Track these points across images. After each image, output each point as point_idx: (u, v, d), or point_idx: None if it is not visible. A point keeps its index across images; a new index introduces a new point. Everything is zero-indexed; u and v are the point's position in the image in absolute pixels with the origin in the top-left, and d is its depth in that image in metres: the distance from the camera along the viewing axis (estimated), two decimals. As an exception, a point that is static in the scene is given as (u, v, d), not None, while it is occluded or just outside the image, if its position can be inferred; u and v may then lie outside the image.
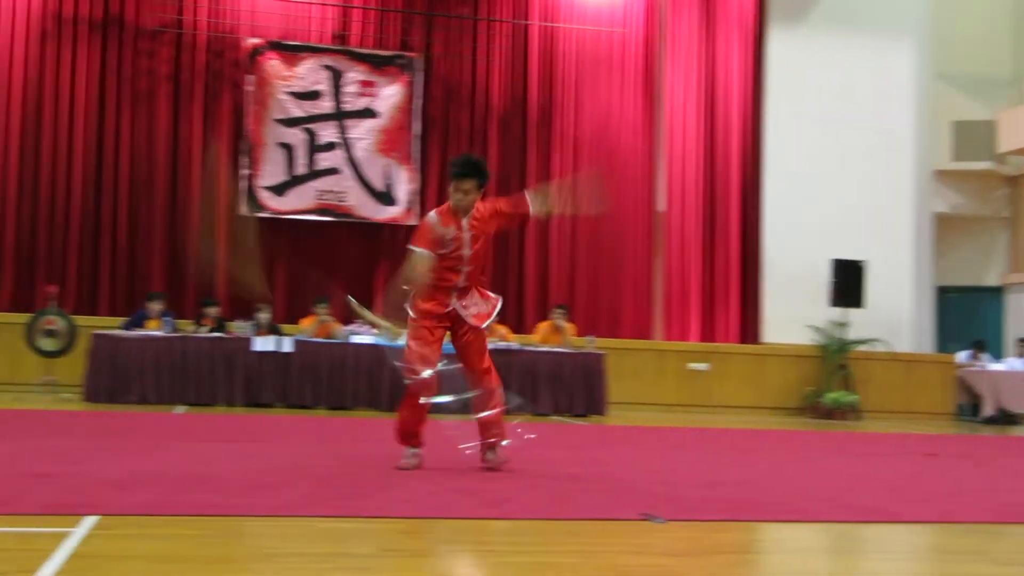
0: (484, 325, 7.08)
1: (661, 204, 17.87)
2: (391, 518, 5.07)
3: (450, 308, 6.95)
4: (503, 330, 15.00)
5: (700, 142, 18.03)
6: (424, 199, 17.00)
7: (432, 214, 7.02)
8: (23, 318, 14.31)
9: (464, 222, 6.89)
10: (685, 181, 17.94)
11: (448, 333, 7.07)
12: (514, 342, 14.64)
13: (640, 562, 4.38)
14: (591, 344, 14.88)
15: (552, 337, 15.06)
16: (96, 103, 16.22)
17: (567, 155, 17.59)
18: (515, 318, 16.90)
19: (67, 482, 5.68)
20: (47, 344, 13.86)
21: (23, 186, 15.90)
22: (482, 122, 17.43)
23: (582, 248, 17.52)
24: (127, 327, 13.79)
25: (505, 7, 17.58)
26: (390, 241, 16.97)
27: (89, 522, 4.58)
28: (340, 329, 14.41)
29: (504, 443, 7.17)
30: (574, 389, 14.32)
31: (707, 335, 17.71)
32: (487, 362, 7.17)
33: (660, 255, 17.81)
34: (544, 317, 16.31)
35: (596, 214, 8.32)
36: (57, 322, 13.86)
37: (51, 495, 5.22)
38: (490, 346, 13.93)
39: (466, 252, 6.90)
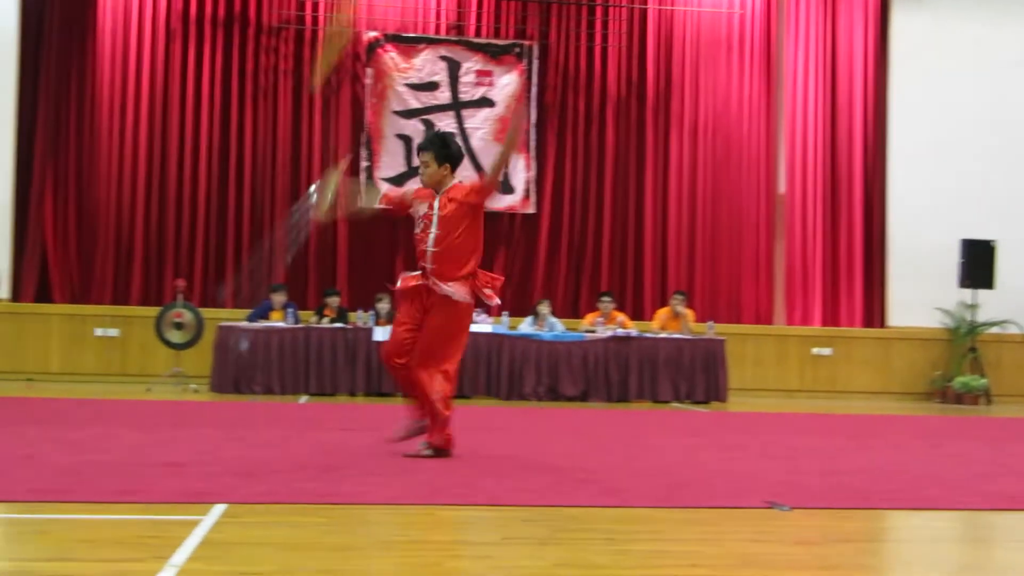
0: (448, 292, 6.78)
1: (782, 186, 17.58)
2: (511, 506, 5.08)
3: (421, 283, 6.88)
4: (622, 317, 14.95)
5: (822, 122, 17.68)
6: (541, 187, 17.01)
7: (411, 187, 7.13)
8: (152, 311, 14.70)
9: (436, 201, 6.89)
10: (806, 162, 17.61)
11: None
12: (633, 329, 14.57)
13: (765, 550, 4.32)
14: (711, 330, 14.74)
15: (671, 323, 14.96)
16: (221, 100, 16.57)
17: (685, 139, 17.42)
18: (633, 305, 16.82)
19: (197, 471, 5.82)
20: (175, 336, 14.20)
21: (151, 183, 16.34)
22: (598, 108, 17.35)
23: (701, 233, 17.34)
24: (252, 319, 14.08)
25: (621, -8, 17.46)
26: (508, 230, 17.02)
27: (218, 510, 4.68)
28: (459, 318, 14.47)
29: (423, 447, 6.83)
30: (694, 376, 14.20)
31: (830, 319, 17.38)
32: (442, 361, 6.82)
33: (781, 238, 17.54)
34: (663, 303, 16.21)
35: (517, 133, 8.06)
36: (185, 315, 14.19)
37: (182, 484, 5.35)
38: (608, 333, 13.98)
39: (432, 232, 6.84)
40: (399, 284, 6.94)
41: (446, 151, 6.90)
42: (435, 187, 6.93)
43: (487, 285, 6.97)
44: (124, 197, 16.20)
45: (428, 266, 6.78)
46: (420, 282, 6.82)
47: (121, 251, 16.13)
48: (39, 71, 16.02)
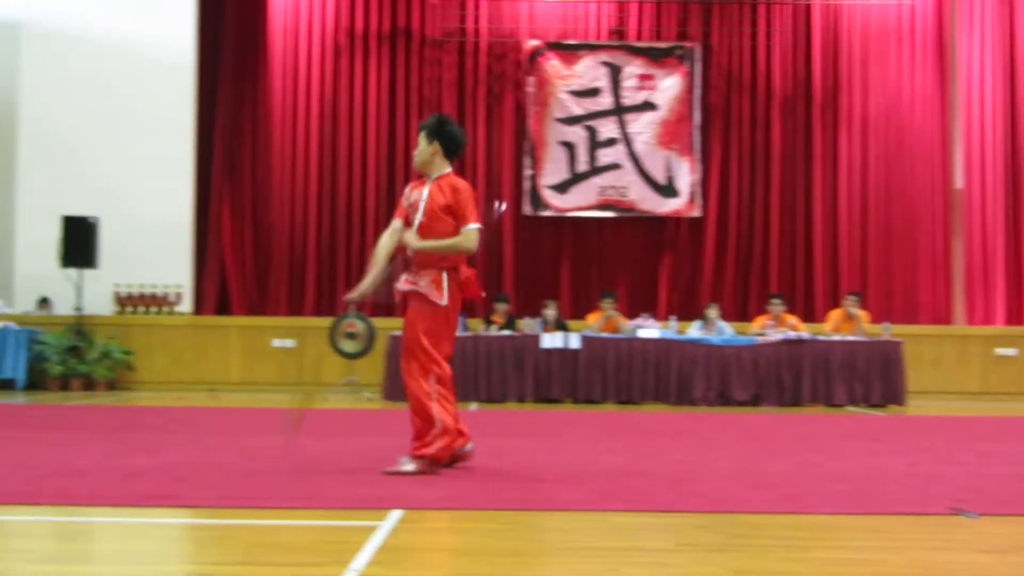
0: (408, 288, 6.38)
1: (959, 181, 17.00)
2: (685, 512, 5.02)
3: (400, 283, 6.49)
4: (793, 319, 14.66)
5: (1000, 114, 17.01)
6: (706, 190, 16.83)
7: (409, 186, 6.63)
8: (326, 322, 15.06)
9: (426, 188, 6.41)
10: (985, 155, 16.98)
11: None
12: (805, 332, 14.27)
13: (951, 559, 4.16)
14: (887, 331, 14.32)
15: (845, 325, 14.60)
16: (387, 113, 16.92)
17: (855, 136, 17.00)
18: (804, 307, 16.50)
19: (373, 478, 5.92)
20: (348, 346, 14.48)
21: (322, 197, 16.78)
22: (764, 108, 17.09)
23: (873, 231, 16.89)
24: (422, 327, 14.24)
25: (784, -12, 17.16)
26: (673, 234, 16.90)
27: (395, 515, 4.75)
28: (627, 323, 14.45)
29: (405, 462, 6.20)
30: (870, 379, 13.82)
31: (1015, 318, 16.69)
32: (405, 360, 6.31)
33: (959, 235, 16.95)
34: (835, 305, 15.86)
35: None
36: (357, 325, 14.47)
37: (359, 490, 5.45)
38: (779, 336, 13.74)
39: (415, 219, 6.39)
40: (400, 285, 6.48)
41: (438, 128, 6.41)
42: (426, 170, 6.44)
43: (468, 280, 6.44)
44: (296, 212, 16.67)
45: (409, 255, 6.40)
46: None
47: (295, 264, 16.61)
48: (216, 96, 16.63)
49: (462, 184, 6.42)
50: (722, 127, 17.06)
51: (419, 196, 6.41)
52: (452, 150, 6.48)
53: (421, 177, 6.54)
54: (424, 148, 6.44)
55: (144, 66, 16.22)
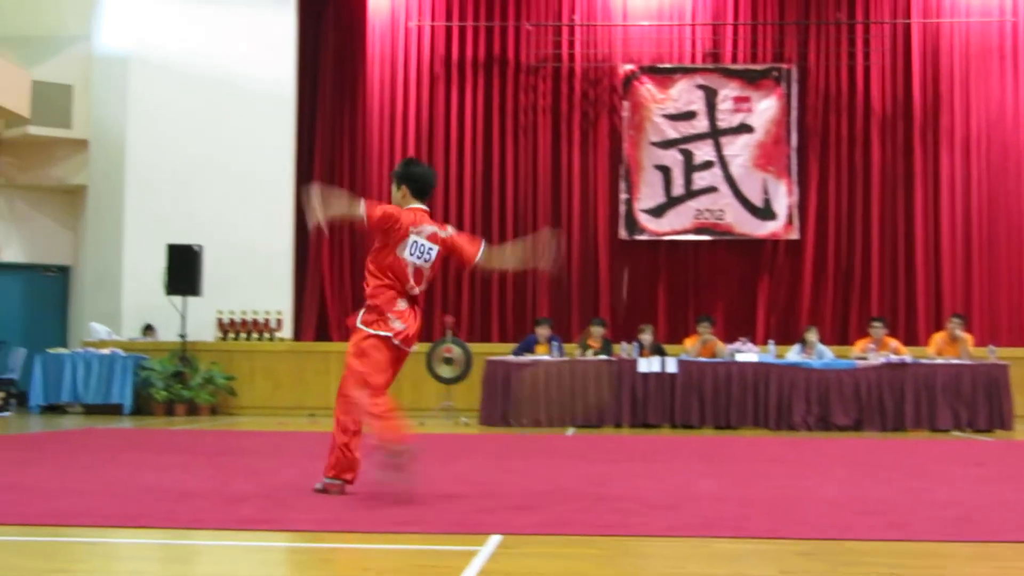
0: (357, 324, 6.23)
1: (1065, 200, 16.58)
2: (787, 539, 4.95)
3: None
4: (895, 342, 14.40)
5: (1107, 130, 16.59)
6: (804, 212, 16.65)
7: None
8: (423, 347, 15.17)
9: (429, 226, 6.33)
10: (1091, 173, 16.56)
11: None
12: (907, 355, 14.01)
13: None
14: (992, 354, 14.00)
15: (949, 348, 14.30)
16: (483, 139, 17.05)
17: (956, 155, 16.70)
18: (906, 330, 16.21)
19: (472, 503, 5.94)
20: (445, 371, 14.59)
21: (419, 222, 16.91)
22: (862, 128, 16.87)
23: (977, 251, 16.55)
24: (518, 352, 14.31)
25: (883, 8, 16.94)
26: (771, 256, 16.74)
27: (494, 540, 4.76)
28: (724, 348, 14.33)
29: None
30: (975, 403, 13.51)
31: (1126, 340, 16.21)
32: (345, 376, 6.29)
33: (1067, 255, 16.52)
34: (938, 327, 15.56)
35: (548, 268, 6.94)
36: (454, 350, 14.57)
37: (458, 515, 5.47)
38: (881, 360, 13.50)
39: (432, 256, 6.28)
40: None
41: (404, 172, 6.42)
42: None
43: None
44: (394, 238, 16.79)
45: (418, 291, 6.34)
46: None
47: (393, 290, 16.73)
48: (315, 127, 16.92)
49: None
50: (819, 148, 16.88)
51: (437, 233, 6.31)
52: (419, 190, 6.39)
53: (417, 212, 6.39)
54: (394, 193, 6.41)
55: (246, 98, 16.58)
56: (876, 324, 14.50)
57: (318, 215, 6.12)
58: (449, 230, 6.43)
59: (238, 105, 16.59)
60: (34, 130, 16.69)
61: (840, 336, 16.35)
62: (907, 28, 16.92)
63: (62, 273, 17.87)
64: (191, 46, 16.73)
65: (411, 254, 6.19)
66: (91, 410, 15.28)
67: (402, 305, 6.25)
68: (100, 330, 16.07)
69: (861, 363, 13.77)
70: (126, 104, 16.71)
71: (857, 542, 4.90)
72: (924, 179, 16.74)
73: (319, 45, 17.15)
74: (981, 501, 6.31)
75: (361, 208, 6.19)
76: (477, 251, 6.43)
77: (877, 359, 13.79)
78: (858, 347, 14.50)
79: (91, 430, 12.27)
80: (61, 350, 15.82)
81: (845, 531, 5.15)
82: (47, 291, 17.77)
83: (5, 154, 17.32)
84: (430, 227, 6.29)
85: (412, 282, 6.24)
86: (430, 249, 6.24)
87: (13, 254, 17.42)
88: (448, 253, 6.42)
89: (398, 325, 6.22)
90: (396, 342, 6.22)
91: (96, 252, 16.93)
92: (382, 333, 6.19)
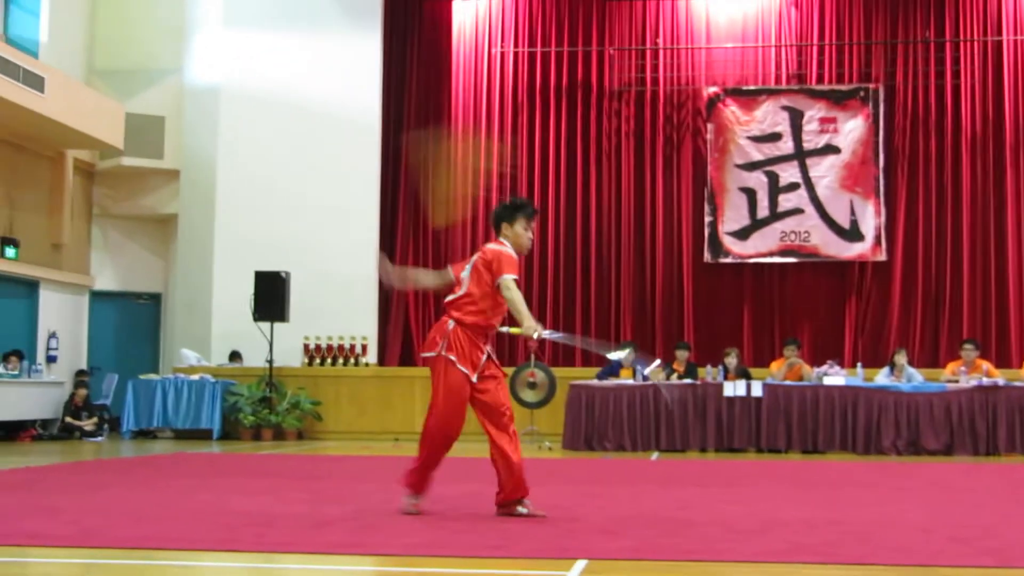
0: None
1: None
2: (880, 565, 4.88)
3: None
4: (986, 365, 14.11)
5: None
6: (892, 233, 16.41)
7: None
8: (508, 371, 15.18)
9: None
10: None
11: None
12: (1000, 377, 13.72)
13: None
14: (1090, 378, 13.66)
15: (1043, 371, 13.99)
16: (566, 164, 17.10)
17: (1051, 175, 16.36)
18: (998, 352, 15.87)
19: (557, 527, 5.94)
20: (529, 395, 14.58)
21: (503, 247, 16.99)
22: (951, 149, 16.60)
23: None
24: (602, 376, 14.28)
25: (974, 25, 16.69)
26: (859, 278, 16.53)
27: (580, 566, 4.76)
28: (811, 371, 14.16)
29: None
30: (1072, 427, 13.18)
31: None
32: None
33: None
34: (1033, 350, 15.22)
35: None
36: (538, 374, 14.56)
37: (544, 540, 5.47)
38: (973, 383, 13.24)
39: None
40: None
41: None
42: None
43: None
44: (478, 263, 16.88)
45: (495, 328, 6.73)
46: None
47: (476, 314, 16.80)
48: (400, 153, 17.07)
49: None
50: (907, 169, 16.65)
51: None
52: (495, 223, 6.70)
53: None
54: (518, 231, 6.66)
55: (332, 126, 16.81)
56: (967, 346, 14.22)
57: (391, 282, 6.89)
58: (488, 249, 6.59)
59: (324, 134, 16.83)
60: (128, 161, 17.08)
61: (930, 359, 16.06)
62: (998, 45, 16.65)
63: (153, 300, 18.24)
64: (279, 77, 17.03)
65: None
66: (181, 435, 15.54)
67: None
68: (190, 356, 16.35)
69: (952, 386, 13.52)
70: (216, 135, 17.04)
71: (950, 568, 4.82)
72: (1015, 199, 16.42)
73: (404, 73, 17.35)
74: (1079, 528, 6.16)
75: (450, 274, 6.78)
76: (500, 274, 6.48)
77: (968, 382, 13.52)
78: (949, 370, 14.24)
79: (181, 455, 12.48)
80: (152, 376, 16.12)
81: (937, 557, 5.06)
82: (139, 318, 18.14)
83: (100, 185, 17.75)
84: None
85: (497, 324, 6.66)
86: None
87: (107, 282, 17.82)
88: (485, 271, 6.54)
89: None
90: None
91: (186, 279, 17.26)
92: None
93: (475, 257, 6.55)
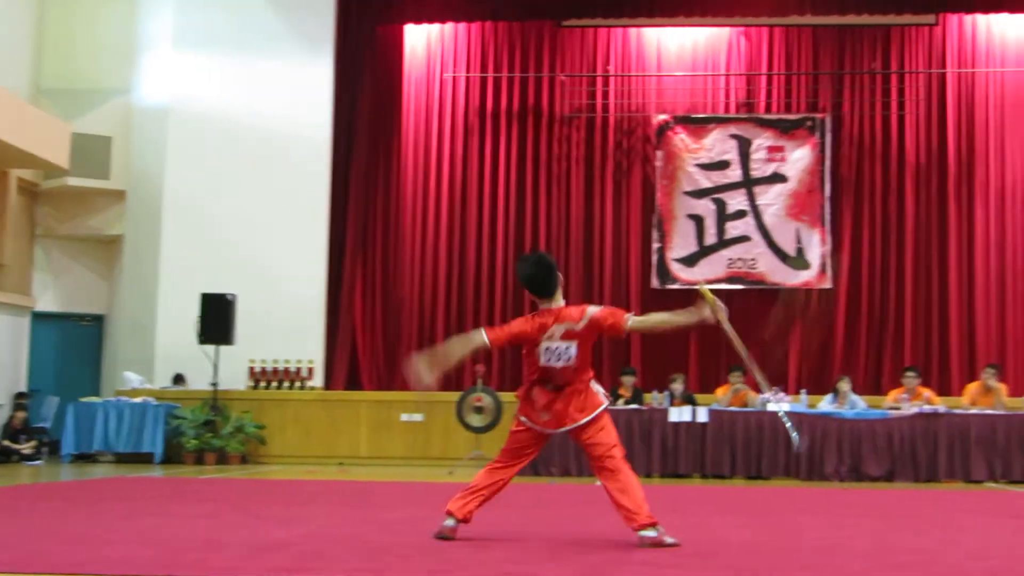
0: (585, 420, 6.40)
1: (1100, 252, 16.45)
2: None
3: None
4: (928, 392, 14.27)
5: None
6: (837, 261, 16.59)
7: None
8: (453, 396, 15.16)
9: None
10: None
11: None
12: (941, 405, 13.89)
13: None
14: (1029, 406, 13.85)
15: (983, 399, 14.16)
16: (516, 190, 17.16)
17: (992, 207, 16.64)
18: (940, 380, 16.07)
19: (501, 553, 5.91)
20: (475, 420, 14.57)
21: (451, 273, 17.06)
22: (897, 178, 16.85)
23: (1011, 303, 16.44)
24: (550, 401, 14.25)
25: (918, 58, 16.96)
26: (804, 306, 16.66)
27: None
28: (756, 397, 14.25)
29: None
30: (1010, 454, 13.35)
31: None
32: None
33: (1102, 307, 16.36)
34: (972, 378, 15.41)
35: None
36: (484, 399, 14.56)
37: (488, 566, 5.44)
38: (914, 410, 13.37)
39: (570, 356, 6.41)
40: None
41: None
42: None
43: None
44: (426, 289, 16.93)
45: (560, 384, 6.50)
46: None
47: (423, 339, 16.81)
48: (349, 176, 17.04)
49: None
50: (853, 198, 16.86)
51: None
52: (538, 290, 6.48)
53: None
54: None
55: (281, 149, 16.73)
56: (909, 374, 14.39)
57: (426, 379, 6.41)
58: (588, 315, 6.35)
59: (274, 157, 16.74)
60: (73, 181, 16.89)
61: (873, 386, 16.22)
62: (942, 78, 16.93)
63: (96, 322, 18.01)
64: (228, 98, 16.93)
65: (547, 360, 6.36)
66: (122, 459, 15.35)
67: (540, 395, 6.53)
68: (133, 379, 16.17)
69: (894, 413, 13.66)
70: (164, 156, 16.90)
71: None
72: (958, 228, 16.67)
73: (355, 96, 17.30)
74: (1017, 553, 6.24)
75: (483, 337, 6.45)
76: (623, 321, 6.38)
77: (910, 409, 13.67)
78: (891, 397, 14.39)
79: (121, 479, 12.32)
80: (93, 399, 15.91)
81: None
82: (81, 340, 17.90)
83: (44, 204, 17.54)
84: (562, 327, 6.32)
85: (557, 380, 6.42)
86: (567, 349, 6.33)
87: (49, 303, 17.58)
88: (593, 334, 6.43)
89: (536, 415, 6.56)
90: (534, 426, 6.61)
91: (131, 301, 17.06)
92: (522, 418, 6.64)
93: (563, 327, 6.32)
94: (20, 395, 16.24)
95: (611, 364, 16.50)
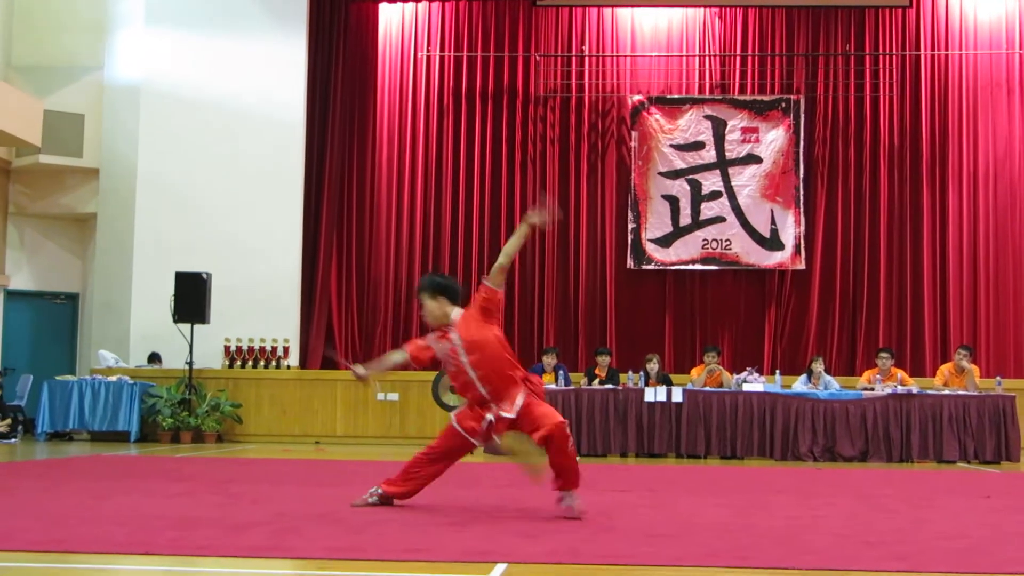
0: (513, 413, 6.60)
1: (1072, 234, 16.59)
2: (793, 569, 4.94)
3: (488, 421, 6.64)
4: (901, 373, 14.39)
5: (1116, 163, 16.61)
6: (811, 242, 16.68)
7: (430, 334, 6.89)
8: (430, 376, 15.18)
9: (453, 335, 6.67)
10: (1099, 207, 16.58)
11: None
12: (914, 386, 14.00)
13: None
14: (999, 386, 13.98)
15: (955, 379, 14.29)
16: (491, 169, 17.13)
17: (965, 187, 16.74)
18: (913, 361, 16.20)
19: (477, 531, 5.95)
20: (451, 399, 14.59)
21: (427, 252, 17.03)
22: (870, 160, 16.93)
23: (984, 284, 16.57)
24: (525, 381, 14.29)
25: (893, 39, 17.03)
26: (778, 287, 16.76)
27: (499, 569, 4.76)
28: (731, 377, 14.33)
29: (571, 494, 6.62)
30: (982, 434, 13.48)
31: None
32: (542, 428, 6.53)
33: (1074, 288, 16.51)
34: (944, 359, 15.55)
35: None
36: (461, 378, 14.56)
37: (464, 543, 5.48)
38: (888, 391, 13.46)
39: (464, 359, 6.63)
40: (464, 426, 6.78)
41: (435, 284, 6.81)
42: (444, 322, 6.77)
43: (535, 389, 6.71)
44: (401, 267, 16.92)
45: (484, 394, 6.66)
46: (488, 418, 6.66)
47: (399, 318, 16.82)
48: (324, 154, 16.98)
49: (468, 311, 6.77)
50: (827, 179, 16.93)
51: (453, 342, 6.67)
52: (454, 296, 6.82)
53: (440, 329, 6.81)
54: (433, 306, 6.80)
55: (255, 126, 16.67)
56: (883, 355, 14.49)
57: (366, 377, 7.05)
58: (457, 314, 6.76)
59: (247, 134, 16.68)
60: (45, 159, 16.78)
61: (847, 367, 16.35)
62: (916, 60, 17.00)
63: (70, 301, 17.93)
64: (202, 76, 16.84)
65: (449, 369, 6.81)
66: (97, 437, 15.31)
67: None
68: (108, 357, 16.10)
69: (867, 394, 13.76)
70: (137, 134, 16.80)
71: (863, 572, 4.90)
72: (931, 210, 16.77)
73: (329, 74, 17.24)
74: (988, 533, 6.30)
75: (405, 355, 6.92)
76: (486, 285, 6.72)
77: (883, 390, 13.78)
78: (864, 378, 14.50)
79: (97, 457, 12.29)
80: (68, 377, 15.85)
81: (851, 562, 5.14)
82: (55, 318, 17.82)
83: (16, 182, 17.42)
84: (450, 342, 6.69)
85: (472, 392, 6.71)
86: (457, 355, 6.66)
87: (22, 281, 17.49)
88: (478, 321, 6.69)
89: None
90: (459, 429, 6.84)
91: (105, 280, 16.98)
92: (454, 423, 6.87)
93: (457, 336, 6.67)
94: (-7, 373, 16.16)
95: (586, 344, 16.56)
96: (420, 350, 6.89)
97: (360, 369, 7.02)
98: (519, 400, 6.59)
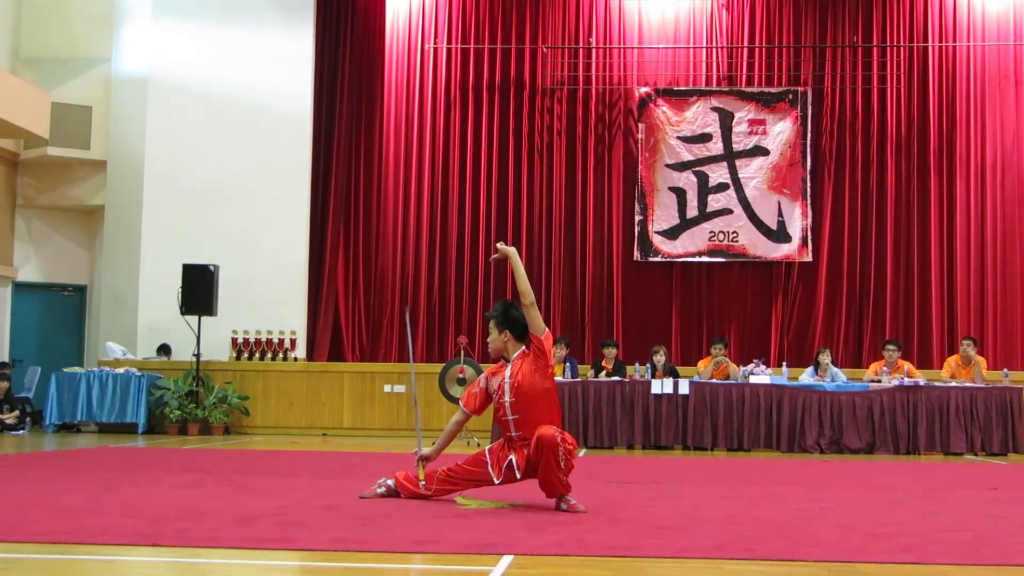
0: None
1: (1080, 226, 16.56)
2: (801, 561, 4.95)
3: (510, 462, 6.69)
4: (908, 365, 14.38)
5: (1124, 155, 16.56)
6: (818, 234, 16.66)
7: (483, 374, 6.99)
8: (436, 368, 15.18)
9: (506, 372, 6.79)
10: (1106, 199, 16.54)
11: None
12: (920, 378, 13.99)
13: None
14: (1006, 378, 13.97)
15: (962, 371, 14.28)
16: (498, 161, 17.12)
17: (972, 179, 16.71)
18: (920, 353, 16.20)
19: (484, 523, 5.95)
20: (458, 391, 14.59)
21: (434, 244, 17.02)
22: (877, 152, 16.89)
23: (991, 276, 16.53)
24: (532, 373, 14.30)
25: (901, 31, 16.98)
26: (785, 279, 16.74)
27: (506, 561, 4.77)
28: (737, 369, 14.33)
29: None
30: (989, 426, 13.48)
31: None
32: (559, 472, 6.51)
33: (1083, 280, 16.48)
34: (951, 351, 15.54)
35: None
36: (467, 371, 14.59)
37: (471, 535, 5.48)
38: (895, 383, 13.45)
39: (506, 400, 6.70)
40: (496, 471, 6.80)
41: (507, 317, 6.87)
42: (504, 355, 6.89)
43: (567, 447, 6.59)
44: (408, 259, 16.92)
45: (513, 434, 6.73)
46: (511, 459, 6.70)
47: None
48: (332, 146, 16.99)
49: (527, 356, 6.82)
50: (834, 171, 16.90)
51: (503, 379, 6.79)
52: (521, 334, 6.86)
53: (499, 362, 6.99)
54: (496, 337, 6.94)
55: (263, 118, 16.68)
56: (890, 347, 14.48)
57: (434, 456, 7.15)
58: (517, 352, 6.87)
59: (255, 126, 16.70)
60: (53, 151, 16.81)
61: (854, 359, 16.34)
62: (923, 51, 16.96)
63: (79, 292, 17.97)
64: (209, 68, 16.86)
65: (493, 400, 6.90)
66: (105, 429, 15.35)
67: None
68: (115, 349, 16.14)
69: (874, 386, 13.76)
70: (145, 125, 16.82)
71: (870, 564, 4.90)
72: (939, 202, 16.74)
73: (336, 66, 17.25)
74: (995, 524, 6.30)
75: (462, 414, 7.05)
76: (532, 334, 6.84)
77: (890, 382, 13.77)
78: (871, 370, 14.49)
79: (105, 449, 12.32)
80: (76, 369, 15.89)
81: (858, 554, 5.14)
82: (63, 310, 17.87)
83: (24, 175, 17.46)
84: (501, 378, 6.82)
85: (505, 430, 6.84)
86: (503, 393, 6.76)
87: (30, 273, 17.53)
88: (531, 367, 6.76)
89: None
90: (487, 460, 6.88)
91: (112, 272, 17.01)
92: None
93: (508, 375, 6.78)
94: (2, 365, 16.18)
95: (593, 336, 16.57)
96: (474, 399, 6.95)
97: (426, 450, 7.10)
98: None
